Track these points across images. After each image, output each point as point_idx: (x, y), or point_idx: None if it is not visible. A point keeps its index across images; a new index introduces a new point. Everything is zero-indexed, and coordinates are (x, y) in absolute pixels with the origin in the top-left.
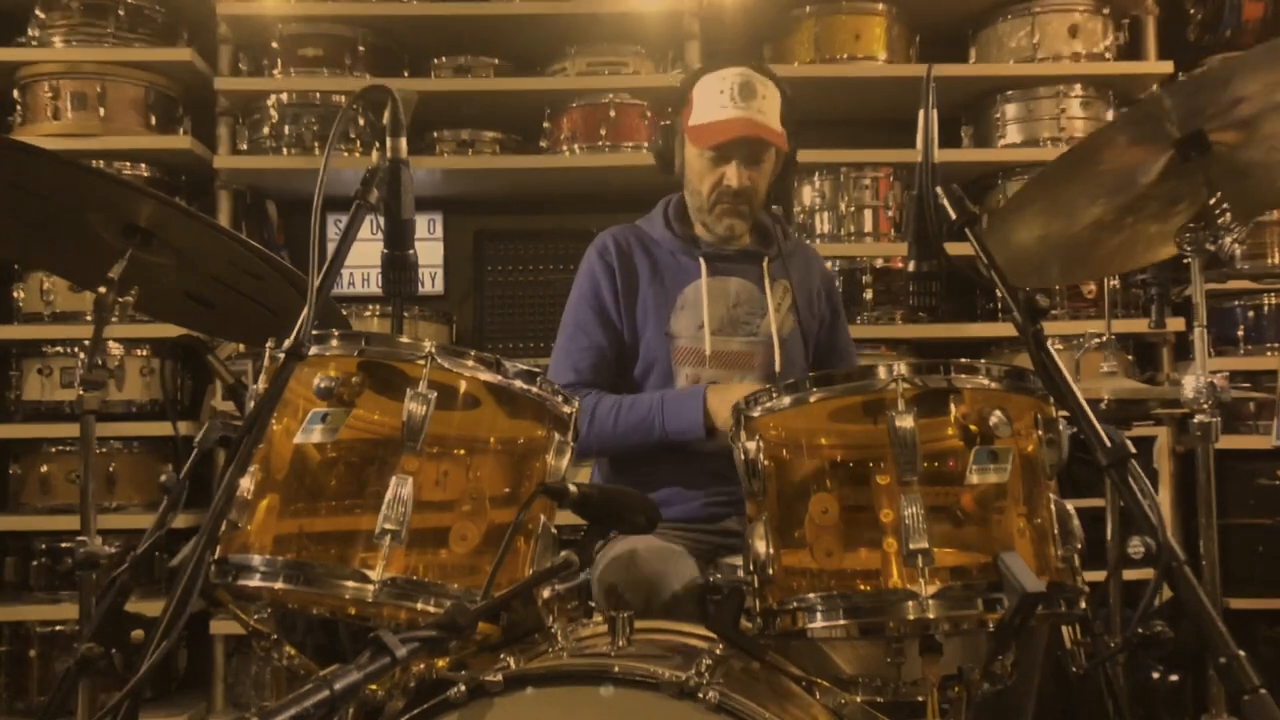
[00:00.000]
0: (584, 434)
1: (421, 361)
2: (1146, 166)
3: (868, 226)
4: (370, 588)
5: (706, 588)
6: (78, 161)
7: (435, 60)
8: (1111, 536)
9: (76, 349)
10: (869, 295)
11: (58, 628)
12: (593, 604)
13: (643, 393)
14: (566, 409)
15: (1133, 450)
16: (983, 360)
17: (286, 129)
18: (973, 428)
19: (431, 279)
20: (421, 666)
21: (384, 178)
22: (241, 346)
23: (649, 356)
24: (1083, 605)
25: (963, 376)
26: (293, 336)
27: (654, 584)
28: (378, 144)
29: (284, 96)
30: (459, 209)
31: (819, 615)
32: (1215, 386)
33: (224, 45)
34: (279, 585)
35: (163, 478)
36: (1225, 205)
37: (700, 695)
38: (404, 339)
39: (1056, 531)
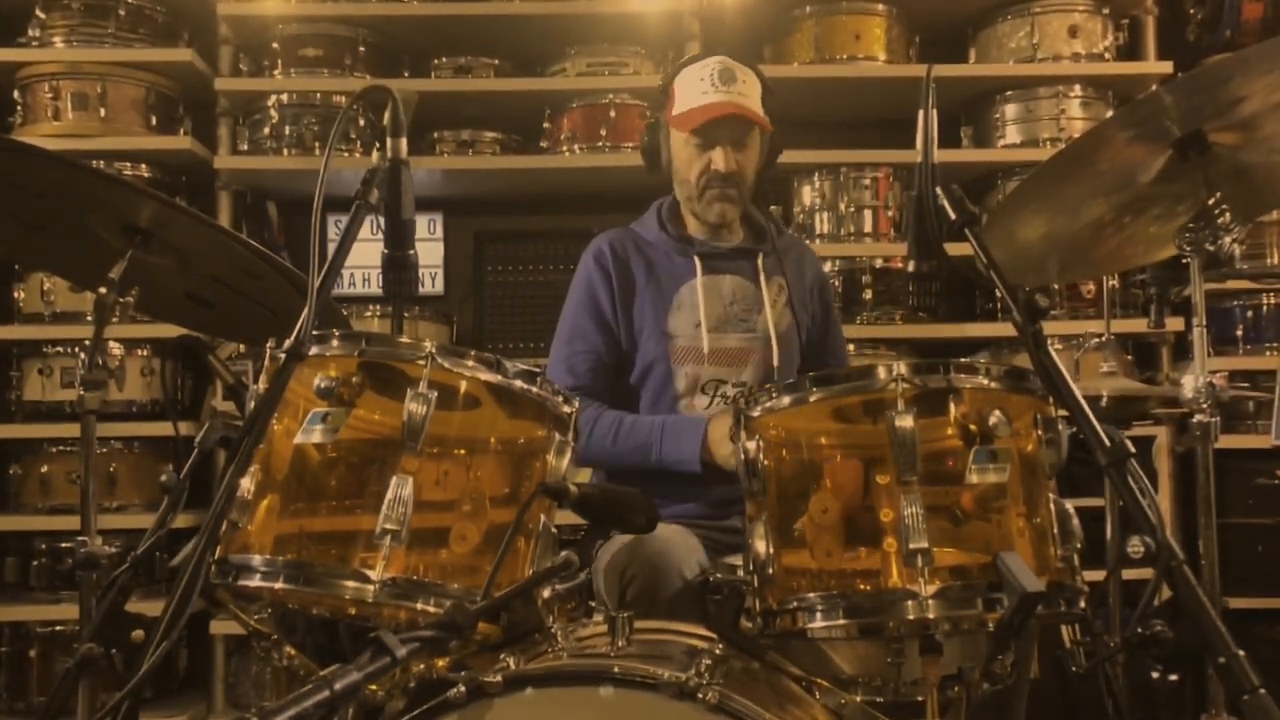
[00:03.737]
0: (580, 448)
1: (422, 361)
2: (1146, 166)
3: (868, 226)
4: (370, 588)
5: (707, 586)
6: (78, 162)
7: (435, 60)
8: (1111, 536)
9: (77, 349)
10: (869, 295)
11: (58, 628)
12: (593, 604)
13: (643, 416)
14: (566, 409)
15: (1132, 450)
16: (982, 360)
17: (287, 129)
18: (972, 428)
19: (431, 279)
20: (421, 666)
21: (384, 178)
22: (242, 346)
23: (648, 357)
24: (1082, 605)
25: (962, 376)
26: (293, 337)
27: (662, 564)
28: (378, 144)
29: (284, 97)
30: (459, 209)
31: (819, 615)
32: (1214, 386)
33: (224, 46)
34: (279, 585)
35: (163, 478)
36: (1224, 205)
37: (700, 696)
38: (404, 339)
39: (1056, 531)
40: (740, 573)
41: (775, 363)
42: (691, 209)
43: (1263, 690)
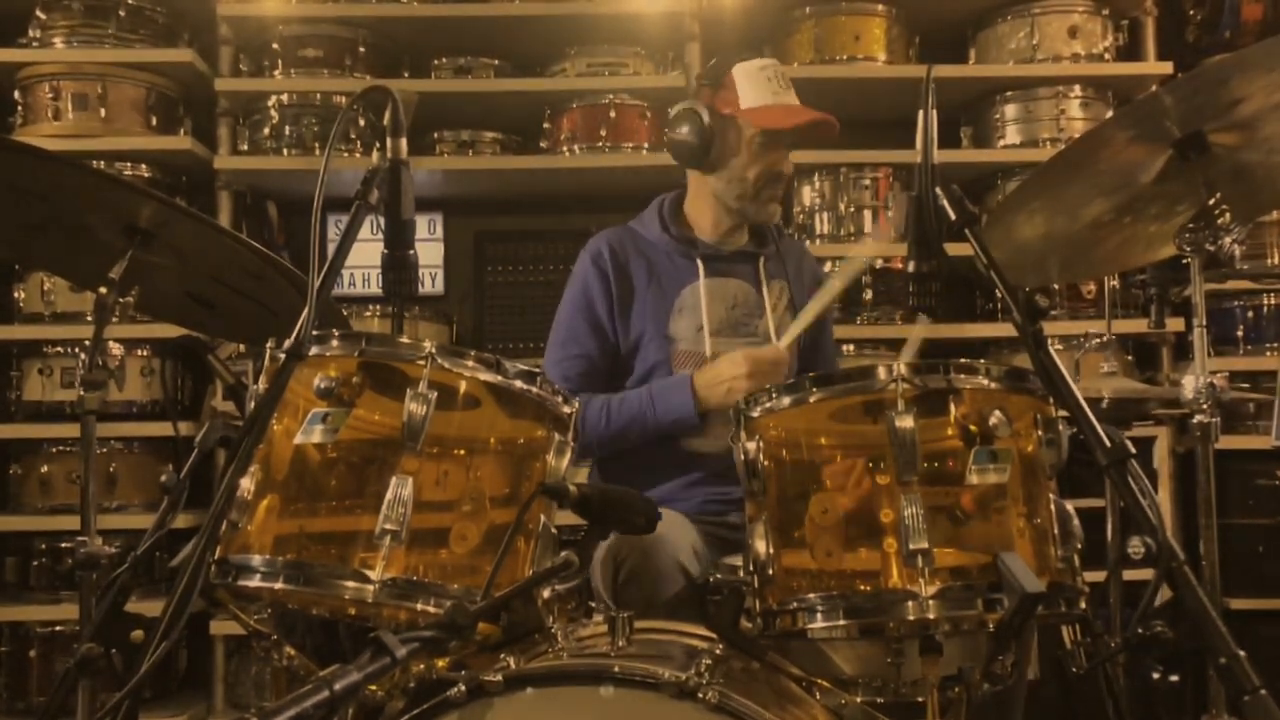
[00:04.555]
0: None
1: (422, 362)
2: (1146, 166)
3: (868, 226)
4: (370, 588)
5: (707, 586)
6: (78, 162)
7: (435, 61)
8: (1111, 536)
9: (77, 349)
10: (869, 295)
11: (58, 628)
12: (593, 604)
13: (629, 391)
14: (566, 409)
15: (1132, 450)
16: (982, 360)
17: (287, 129)
18: (972, 428)
19: (431, 279)
20: (421, 667)
21: (384, 178)
22: (241, 346)
23: (648, 360)
24: (1083, 605)
25: (962, 376)
26: (293, 337)
27: (656, 549)
28: (378, 144)
29: (284, 97)
30: (459, 209)
31: (819, 615)
32: (1215, 387)
33: (225, 46)
34: (279, 585)
35: (163, 478)
36: (1224, 206)
37: (700, 695)
38: (404, 339)
39: (1056, 531)
40: (740, 573)
41: None
42: (739, 206)
43: (1263, 691)
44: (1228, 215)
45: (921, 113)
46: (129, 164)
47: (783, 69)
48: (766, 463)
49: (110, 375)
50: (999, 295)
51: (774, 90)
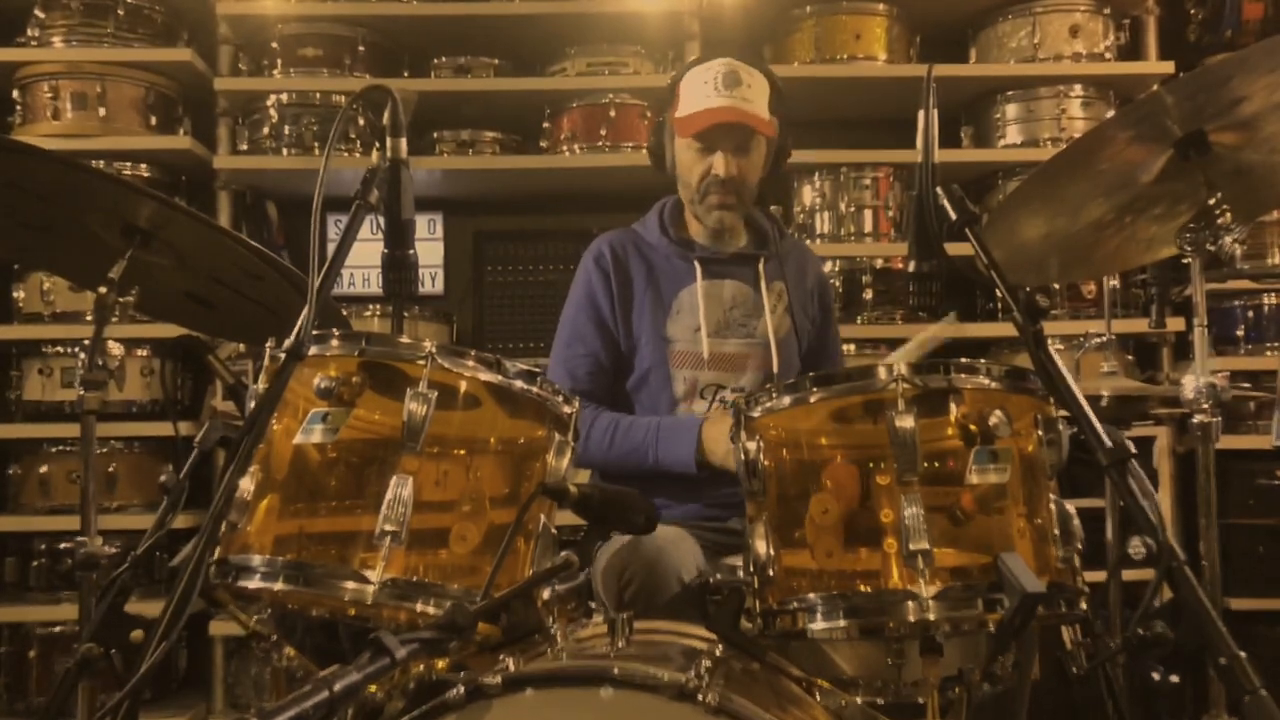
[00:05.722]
0: (578, 451)
1: (422, 361)
2: (1147, 165)
3: (868, 226)
4: (370, 588)
5: (707, 587)
6: (77, 162)
7: (435, 60)
8: (1111, 536)
9: (77, 349)
10: (869, 295)
11: (58, 628)
12: (593, 604)
13: (640, 416)
14: (567, 409)
15: (1133, 450)
16: (983, 360)
17: (286, 129)
18: (973, 428)
19: (431, 279)
20: (421, 667)
21: (384, 178)
22: (241, 346)
23: (646, 361)
24: (1083, 606)
25: (963, 376)
26: (293, 336)
27: (660, 566)
28: (378, 144)
29: (284, 97)
30: (459, 209)
31: (819, 616)
32: (1215, 386)
33: (224, 45)
34: (279, 586)
35: (163, 478)
36: (1225, 205)
37: (700, 697)
38: (404, 339)
39: (1056, 532)
40: (740, 573)
41: (774, 368)
42: (693, 211)
43: (1263, 691)
44: (1228, 215)
45: (922, 112)
46: (128, 164)
47: (736, 68)
48: (766, 463)
49: (110, 375)
50: (999, 295)
51: (707, 94)
